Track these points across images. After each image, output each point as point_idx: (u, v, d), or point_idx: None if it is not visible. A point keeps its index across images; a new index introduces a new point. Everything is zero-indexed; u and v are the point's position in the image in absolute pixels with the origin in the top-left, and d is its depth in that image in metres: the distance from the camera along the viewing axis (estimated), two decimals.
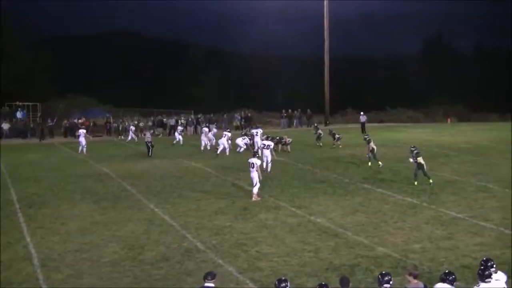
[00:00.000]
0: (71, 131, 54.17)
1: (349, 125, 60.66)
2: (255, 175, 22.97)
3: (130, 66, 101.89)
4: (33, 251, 16.47)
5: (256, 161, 23.30)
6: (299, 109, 62.29)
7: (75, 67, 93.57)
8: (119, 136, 52.12)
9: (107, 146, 44.37)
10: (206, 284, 10.49)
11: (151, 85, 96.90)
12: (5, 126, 54.65)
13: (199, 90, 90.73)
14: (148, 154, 36.67)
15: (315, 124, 43.97)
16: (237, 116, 61.39)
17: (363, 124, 50.88)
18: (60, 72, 76.10)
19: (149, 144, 36.90)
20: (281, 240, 17.21)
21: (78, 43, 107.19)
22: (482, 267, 10.19)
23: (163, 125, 57.26)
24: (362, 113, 53.27)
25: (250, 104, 69.13)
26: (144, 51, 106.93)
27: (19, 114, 58.89)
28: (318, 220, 19.39)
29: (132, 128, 48.73)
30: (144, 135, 39.95)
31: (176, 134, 44.09)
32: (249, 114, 61.09)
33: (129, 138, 47.42)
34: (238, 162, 32.22)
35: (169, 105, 67.09)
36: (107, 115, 61.31)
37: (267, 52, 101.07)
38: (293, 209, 21.09)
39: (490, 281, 9.95)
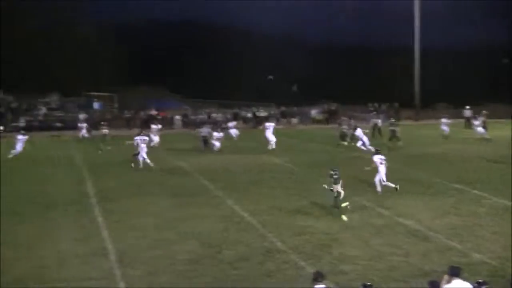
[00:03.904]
0: (148, 123, 55.28)
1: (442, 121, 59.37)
2: None
3: (207, 56, 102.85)
4: (110, 246, 16.86)
5: None
6: (387, 103, 61.47)
7: (148, 56, 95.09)
8: (196, 129, 52.59)
9: (184, 139, 44.88)
10: (317, 287, 10.48)
11: (229, 76, 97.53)
12: (82, 116, 56.26)
13: (279, 82, 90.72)
14: (203, 148, 37.44)
15: (482, 118, 43.09)
16: (319, 109, 61.17)
17: (468, 119, 49.64)
18: (135, 62, 77.78)
19: (204, 139, 37.45)
20: (366, 242, 17.04)
21: (151, 32, 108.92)
22: None
23: (238, 118, 57.64)
24: (467, 107, 52.20)
25: (334, 96, 68.56)
26: (220, 41, 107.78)
27: (95, 105, 60.60)
28: (406, 222, 19.09)
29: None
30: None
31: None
32: (332, 108, 60.70)
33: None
34: (323, 158, 32.24)
35: (248, 97, 67.47)
36: (185, 107, 62.32)
37: (351, 42, 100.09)
38: (379, 209, 20.84)
39: None
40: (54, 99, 64.39)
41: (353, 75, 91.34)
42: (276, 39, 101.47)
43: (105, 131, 41.01)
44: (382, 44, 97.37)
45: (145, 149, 31.22)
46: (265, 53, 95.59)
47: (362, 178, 26.57)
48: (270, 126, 38.68)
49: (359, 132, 36.14)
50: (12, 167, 32.07)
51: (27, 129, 47.01)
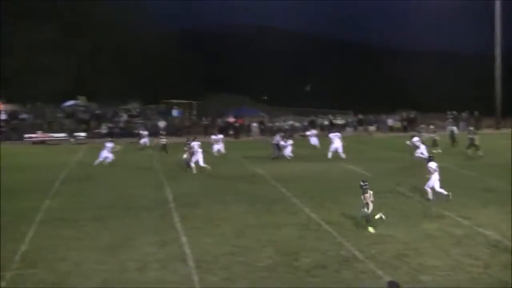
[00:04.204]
0: (225, 130, 56.05)
1: None
2: None
3: (284, 64, 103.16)
4: (188, 251, 17.06)
5: None
6: (466, 111, 60.21)
7: (227, 65, 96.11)
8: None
9: (260, 147, 45.10)
10: None
11: (306, 84, 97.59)
12: (161, 124, 57.37)
13: (358, 90, 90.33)
14: (276, 155, 37.64)
15: None
16: (397, 117, 60.51)
17: None
18: (212, 70, 78.95)
19: (277, 146, 37.57)
20: (446, 252, 16.71)
21: (230, 42, 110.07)
22: None
23: (315, 125, 57.60)
24: None
25: (413, 104, 67.55)
26: (296, 48, 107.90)
27: (175, 112, 61.67)
28: (487, 232, 18.62)
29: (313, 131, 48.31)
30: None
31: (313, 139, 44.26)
32: (411, 115, 59.87)
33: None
34: (399, 166, 31.85)
35: (326, 104, 67.31)
36: (262, 114, 62.70)
37: (430, 49, 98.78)
38: (458, 219, 20.41)
39: None
40: (134, 106, 65.98)
41: (433, 82, 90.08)
42: (358, 47, 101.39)
43: (164, 141, 41.29)
44: (464, 50, 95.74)
45: (201, 154, 32.40)
46: (347, 61, 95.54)
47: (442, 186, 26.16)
48: (335, 136, 38.31)
49: (415, 140, 35.66)
50: (93, 172, 32.92)
51: (108, 135, 48.42)
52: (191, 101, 64.95)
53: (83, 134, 55.08)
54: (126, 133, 56.21)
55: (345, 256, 16.44)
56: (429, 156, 25.28)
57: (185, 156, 32.94)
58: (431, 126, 41.81)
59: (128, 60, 72.42)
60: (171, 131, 56.49)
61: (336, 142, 37.37)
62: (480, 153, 35.90)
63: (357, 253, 16.66)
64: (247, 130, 58.91)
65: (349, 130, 56.89)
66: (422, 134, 39.13)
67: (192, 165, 32.16)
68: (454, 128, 43.13)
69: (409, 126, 57.71)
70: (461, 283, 14.27)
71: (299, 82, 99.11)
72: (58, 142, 53.54)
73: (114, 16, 72.97)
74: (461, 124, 58.47)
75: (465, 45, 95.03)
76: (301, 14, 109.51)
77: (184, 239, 18.35)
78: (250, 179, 29.88)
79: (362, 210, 19.18)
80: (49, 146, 51.74)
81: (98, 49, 71.75)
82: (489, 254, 16.42)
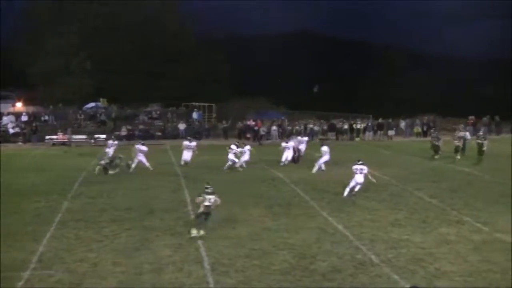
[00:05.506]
0: (245, 133, 56.05)
1: None
2: None
3: (307, 67, 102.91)
4: (204, 254, 17.14)
5: None
6: (488, 116, 59.68)
7: (249, 67, 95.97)
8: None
9: (280, 150, 45.01)
10: None
11: (329, 87, 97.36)
12: (181, 126, 57.51)
13: (377, 93, 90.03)
14: (293, 160, 37.23)
15: None
16: (417, 121, 60.12)
17: None
18: (234, 73, 78.91)
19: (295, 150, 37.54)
20: (464, 257, 16.65)
21: (252, 44, 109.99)
22: None
23: (335, 129, 57.39)
24: None
25: (433, 108, 66.95)
26: (321, 52, 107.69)
27: (195, 115, 61.77)
28: (506, 238, 18.52)
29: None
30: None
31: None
32: (430, 122, 59.38)
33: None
34: (418, 171, 31.77)
35: (347, 108, 66.92)
36: (282, 117, 62.64)
37: (450, 53, 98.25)
38: (477, 224, 20.35)
39: None
40: (155, 108, 66.17)
41: (455, 86, 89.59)
42: (376, 50, 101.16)
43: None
44: (485, 54, 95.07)
45: (143, 157, 33.87)
46: (370, 64, 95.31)
47: (461, 192, 26.06)
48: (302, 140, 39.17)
49: (233, 147, 34.65)
50: (112, 175, 33.01)
51: (128, 138, 48.59)
52: (211, 104, 64.98)
53: (102, 136, 55.26)
54: (146, 135, 56.32)
55: (361, 260, 16.44)
56: (357, 160, 26.23)
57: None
58: (459, 132, 41.17)
59: (151, 62, 72.73)
60: (190, 133, 56.61)
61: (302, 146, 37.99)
62: (481, 157, 35.63)
63: (373, 257, 16.66)
64: (267, 133, 58.69)
65: (368, 134, 56.60)
66: (439, 138, 38.73)
67: (133, 165, 33.62)
68: (467, 134, 42.43)
69: (429, 130, 57.38)
70: None
71: (321, 85, 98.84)
72: (78, 144, 53.85)
73: (139, 17, 73.38)
74: (483, 129, 57.73)
75: (482, 49, 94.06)
76: (322, 17, 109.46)
77: (200, 241, 18.40)
78: (269, 182, 29.84)
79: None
80: (69, 147, 52.07)
81: (121, 51, 72.13)
82: (507, 260, 16.30)
